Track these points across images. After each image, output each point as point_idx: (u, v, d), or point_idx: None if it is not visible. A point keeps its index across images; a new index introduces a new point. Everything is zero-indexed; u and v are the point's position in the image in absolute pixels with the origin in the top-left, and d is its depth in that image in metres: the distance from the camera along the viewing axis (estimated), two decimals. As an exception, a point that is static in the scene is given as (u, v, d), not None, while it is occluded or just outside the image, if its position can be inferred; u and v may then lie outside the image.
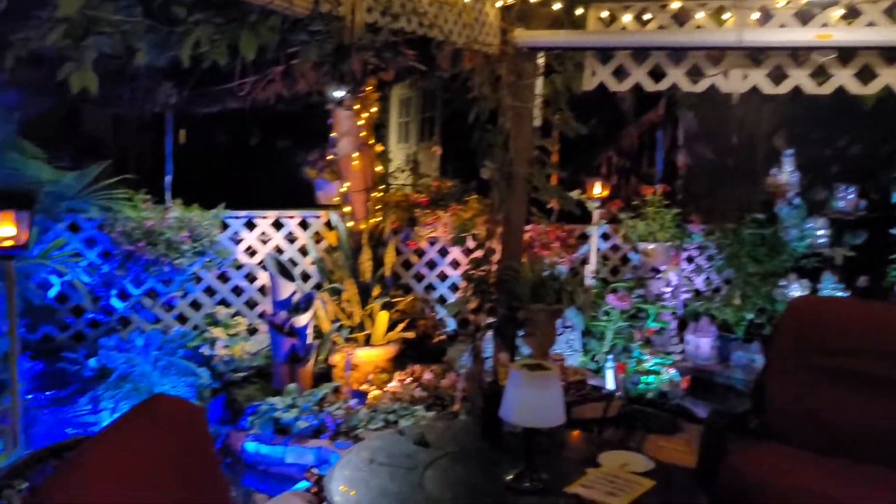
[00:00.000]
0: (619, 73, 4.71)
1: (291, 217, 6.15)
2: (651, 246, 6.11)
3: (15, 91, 4.55)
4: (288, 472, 4.38)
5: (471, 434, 3.51)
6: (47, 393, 4.84)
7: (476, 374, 4.53)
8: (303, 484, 3.98)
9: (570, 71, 4.82)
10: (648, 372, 5.18)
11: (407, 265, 6.45)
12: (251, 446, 4.51)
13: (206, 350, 5.26)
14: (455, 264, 6.47)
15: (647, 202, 6.17)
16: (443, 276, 6.50)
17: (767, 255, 5.90)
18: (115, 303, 5.63)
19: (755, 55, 4.45)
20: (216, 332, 5.38)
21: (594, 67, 4.74)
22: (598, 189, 6.27)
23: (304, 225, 6.19)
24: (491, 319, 4.76)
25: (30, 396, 4.77)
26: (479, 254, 5.10)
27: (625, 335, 5.75)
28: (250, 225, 6.05)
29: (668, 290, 6.13)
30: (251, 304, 6.08)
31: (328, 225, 6.14)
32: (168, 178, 5.60)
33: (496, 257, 4.85)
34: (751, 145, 7.51)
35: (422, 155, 8.27)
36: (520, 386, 2.80)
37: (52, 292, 5.40)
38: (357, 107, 5.87)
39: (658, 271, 6.14)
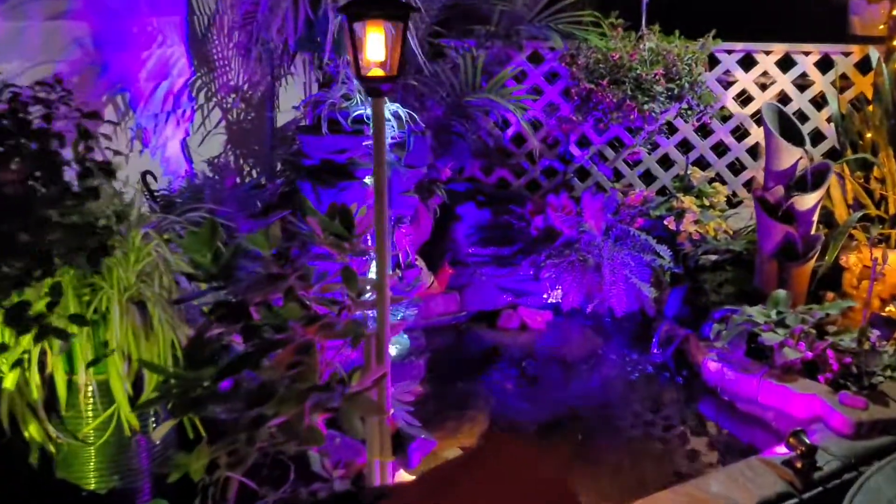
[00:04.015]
0: None
1: (807, 53, 4.46)
2: None
3: None
4: (762, 416, 3.16)
5: None
6: (488, 249, 4.30)
7: None
8: (781, 450, 2.75)
9: None
10: None
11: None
12: (714, 366, 3.37)
13: (670, 223, 4.16)
14: None
15: None
16: None
17: None
18: (574, 151, 4.82)
19: None
20: (686, 200, 4.21)
21: None
22: None
23: (824, 65, 4.45)
24: None
25: (470, 250, 4.29)
26: None
27: None
28: (747, 62, 4.55)
29: None
30: (735, 170, 4.71)
31: (862, 66, 4.31)
32: (646, -2, 4.35)
33: None
34: None
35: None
36: None
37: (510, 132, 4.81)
38: None
39: None
